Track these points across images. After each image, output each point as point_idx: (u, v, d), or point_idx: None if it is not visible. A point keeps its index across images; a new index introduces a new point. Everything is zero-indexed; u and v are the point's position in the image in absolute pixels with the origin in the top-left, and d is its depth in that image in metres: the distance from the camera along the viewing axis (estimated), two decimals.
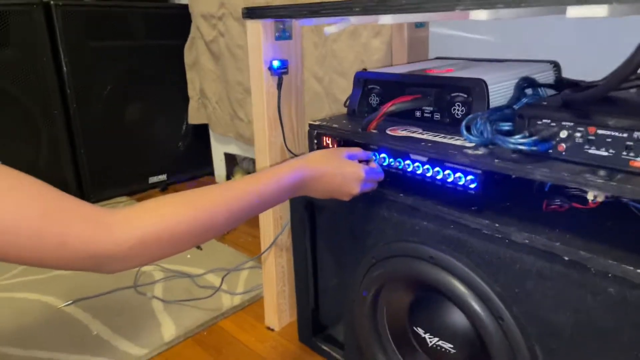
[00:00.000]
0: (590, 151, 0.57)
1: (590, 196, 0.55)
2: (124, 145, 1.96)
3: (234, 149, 2.11)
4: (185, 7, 1.96)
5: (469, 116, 0.69)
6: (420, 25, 1.17)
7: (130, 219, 0.53)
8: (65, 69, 1.72)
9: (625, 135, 0.54)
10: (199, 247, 1.47)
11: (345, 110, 0.94)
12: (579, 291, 0.55)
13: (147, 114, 2.01)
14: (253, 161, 2.18)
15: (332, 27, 0.76)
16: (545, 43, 1.08)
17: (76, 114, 1.78)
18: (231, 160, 2.24)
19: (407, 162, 0.76)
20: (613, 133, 0.54)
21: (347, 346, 0.93)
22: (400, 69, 0.91)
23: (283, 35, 0.88)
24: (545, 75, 0.82)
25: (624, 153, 0.54)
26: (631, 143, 0.53)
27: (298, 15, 0.81)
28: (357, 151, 0.77)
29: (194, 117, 2.11)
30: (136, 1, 1.94)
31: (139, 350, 1.02)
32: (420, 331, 0.77)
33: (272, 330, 1.11)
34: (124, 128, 1.94)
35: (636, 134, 0.53)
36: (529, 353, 0.61)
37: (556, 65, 0.85)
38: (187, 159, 2.20)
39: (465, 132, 0.68)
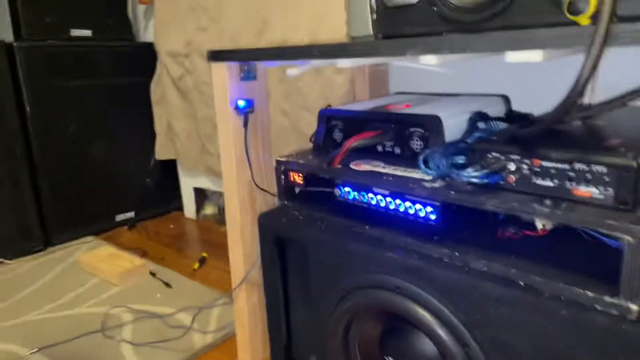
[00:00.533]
0: (537, 182, 0.61)
1: (539, 224, 0.59)
2: (89, 184, 1.94)
3: (203, 183, 2.12)
4: (151, 45, 1.99)
5: (426, 151, 0.74)
6: None
7: None
8: (28, 109, 1.71)
9: (567, 166, 0.58)
10: (168, 285, 1.45)
11: (311, 144, 0.97)
12: (535, 315, 0.59)
13: (113, 151, 2.01)
14: (222, 194, 2.19)
15: (294, 69, 0.80)
16: (496, 76, 1.15)
17: (39, 153, 1.76)
18: (200, 195, 2.24)
19: (371, 195, 0.79)
20: (556, 165, 0.59)
21: None
22: (362, 105, 0.95)
23: (248, 76, 0.92)
24: (496, 109, 0.88)
25: (568, 183, 0.59)
26: (573, 174, 0.58)
27: (262, 58, 0.85)
28: None
29: (162, 152, 2.11)
30: (102, 40, 1.96)
31: None
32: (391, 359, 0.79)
33: None
34: (89, 166, 1.93)
35: (577, 165, 0.58)
36: None
37: (506, 99, 0.91)
38: (155, 195, 2.19)
39: (422, 166, 0.72)
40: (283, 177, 0.91)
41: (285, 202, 0.93)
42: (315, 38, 1.33)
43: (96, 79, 1.90)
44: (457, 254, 0.67)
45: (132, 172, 2.10)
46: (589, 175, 0.57)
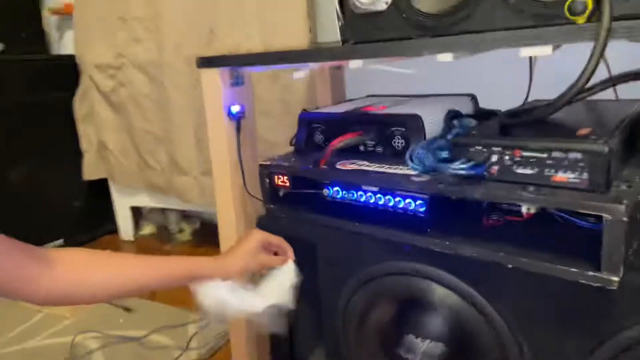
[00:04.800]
0: (518, 171, 0.73)
1: (524, 209, 0.71)
2: (12, 211, 1.84)
3: (142, 201, 2.09)
4: (71, 57, 1.94)
5: (412, 148, 0.84)
6: None
7: (59, 279, 0.64)
8: None
9: (545, 155, 0.70)
10: (127, 310, 1.43)
11: (284, 149, 1.04)
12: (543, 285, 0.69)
13: (35, 175, 1.92)
14: (162, 211, 2.17)
15: (300, 72, 0.96)
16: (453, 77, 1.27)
17: None
18: (136, 214, 2.20)
19: (360, 192, 0.87)
20: (535, 154, 0.71)
21: None
22: (339, 108, 1.04)
23: (237, 81, 1.00)
24: (465, 107, 1.00)
25: (547, 170, 0.71)
26: (551, 161, 0.70)
27: (263, 63, 0.95)
28: (273, 240, 0.88)
29: (91, 172, 2.06)
30: (11, 54, 1.86)
31: None
32: (412, 337, 0.85)
33: None
34: (11, 193, 1.83)
35: (554, 154, 0.70)
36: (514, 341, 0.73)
37: (474, 98, 1.04)
38: (86, 218, 2.13)
39: (410, 162, 0.82)
40: (268, 180, 0.97)
41: (272, 205, 0.99)
42: (270, 46, 1.41)
43: (7, 99, 1.81)
44: (447, 242, 0.77)
45: (59, 196, 2.02)
46: (565, 162, 0.69)
